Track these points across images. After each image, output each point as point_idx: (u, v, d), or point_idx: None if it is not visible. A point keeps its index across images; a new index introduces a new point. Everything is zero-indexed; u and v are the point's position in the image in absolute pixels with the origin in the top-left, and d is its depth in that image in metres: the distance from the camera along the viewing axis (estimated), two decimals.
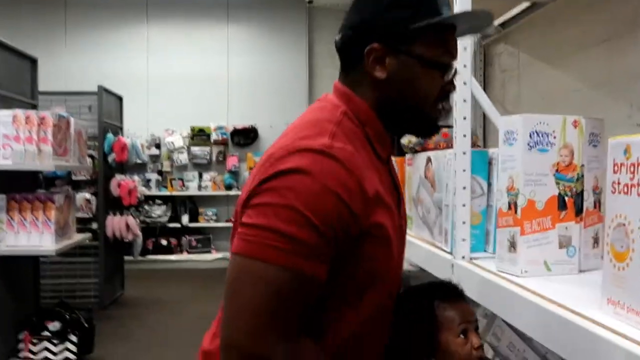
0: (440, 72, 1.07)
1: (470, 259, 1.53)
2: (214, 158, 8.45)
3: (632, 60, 2.14)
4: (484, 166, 1.63)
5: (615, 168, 0.93)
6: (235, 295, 0.93)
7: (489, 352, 2.04)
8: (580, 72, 2.51)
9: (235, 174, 8.34)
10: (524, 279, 1.25)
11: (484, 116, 2.87)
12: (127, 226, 5.70)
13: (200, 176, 8.39)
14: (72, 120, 3.89)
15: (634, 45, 2.13)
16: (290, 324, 0.93)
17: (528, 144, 1.26)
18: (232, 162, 8.35)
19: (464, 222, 1.54)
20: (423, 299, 1.10)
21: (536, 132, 1.26)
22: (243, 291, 0.92)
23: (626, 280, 0.90)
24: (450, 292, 1.13)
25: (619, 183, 0.93)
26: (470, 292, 1.47)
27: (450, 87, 1.11)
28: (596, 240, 1.37)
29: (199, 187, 8.35)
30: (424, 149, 2.03)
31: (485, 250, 1.65)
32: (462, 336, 1.06)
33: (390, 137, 1.12)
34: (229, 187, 8.25)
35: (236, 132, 8.37)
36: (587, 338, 0.91)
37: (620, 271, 0.92)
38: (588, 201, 1.33)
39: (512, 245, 1.30)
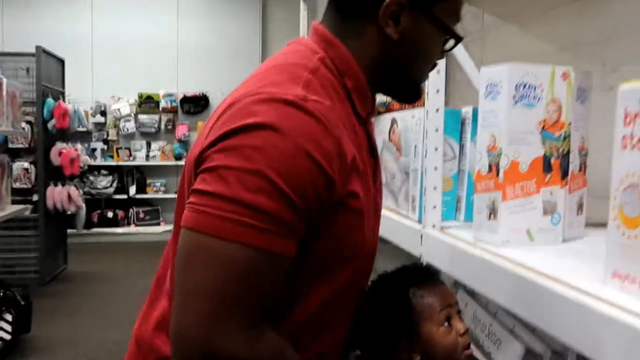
0: (446, 41, 0.96)
1: (441, 228, 1.39)
2: (162, 126, 8.11)
3: (605, 21, 2.03)
4: (456, 126, 1.49)
5: (627, 119, 0.79)
6: (188, 279, 0.76)
7: None
8: (549, 34, 2.38)
9: (185, 143, 8.04)
10: (506, 249, 1.11)
11: (446, 71, 2.72)
12: (69, 197, 5.40)
13: (148, 145, 8.06)
14: (4, 81, 3.57)
15: (607, 3, 2.01)
16: (253, 311, 0.77)
17: (513, 98, 1.11)
18: (181, 130, 8.04)
19: (435, 188, 1.40)
20: (396, 289, 0.95)
21: (522, 84, 1.12)
22: (197, 274, 0.75)
23: (639, 251, 0.77)
24: (424, 276, 0.98)
25: (631, 137, 0.79)
26: (442, 264, 1.33)
27: (443, 56, 0.99)
28: (580, 207, 1.24)
29: (147, 157, 8.02)
30: (388, 110, 1.88)
31: (455, 219, 1.52)
32: (445, 324, 0.92)
33: (371, 93, 0.95)
34: (178, 157, 7.95)
35: (186, 100, 8.05)
36: (589, 317, 0.78)
37: (631, 240, 0.78)
38: (573, 163, 1.20)
39: (492, 212, 1.16)
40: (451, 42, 0.96)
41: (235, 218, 0.74)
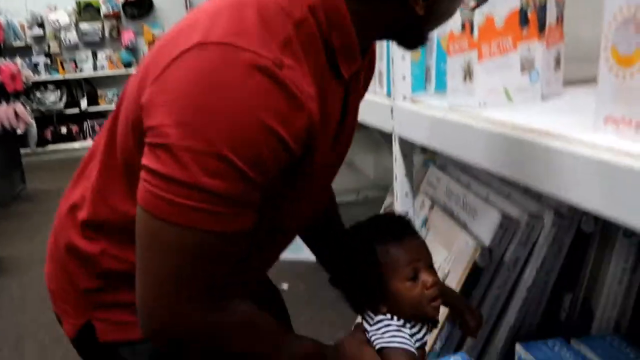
0: None
1: (412, 99, 1.33)
2: (107, 34, 7.69)
3: None
4: None
5: None
6: (148, 259, 0.73)
7: (425, 205, 1.92)
8: None
9: (132, 50, 7.67)
10: (484, 111, 1.05)
11: None
12: (17, 115, 5.14)
13: (95, 55, 7.65)
14: None
15: None
16: (215, 287, 0.75)
17: None
18: (127, 37, 7.63)
19: (403, 58, 1.31)
20: (364, 244, 0.93)
21: None
22: (156, 256, 0.72)
23: (637, 90, 0.71)
24: (394, 230, 0.94)
25: None
26: (415, 136, 1.28)
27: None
28: (558, 62, 1.18)
29: (95, 67, 7.64)
30: None
31: (425, 90, 1.45)
32: (412, 279, 0.90)
33: (361, 47, 0.80)
34: (127, 65, 7.60)
35: (128, 3, 7.58)
36: (585, 166, 0.73)
37: (627, 79, 0.72)
38: (550, 15, 1.12)
39: (468, 74, 1.09)
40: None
41: (194, 205, 0.68)
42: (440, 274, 1.64)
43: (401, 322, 0.91)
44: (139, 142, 0.73)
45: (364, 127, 2.84)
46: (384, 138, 2.92)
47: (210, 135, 0.65)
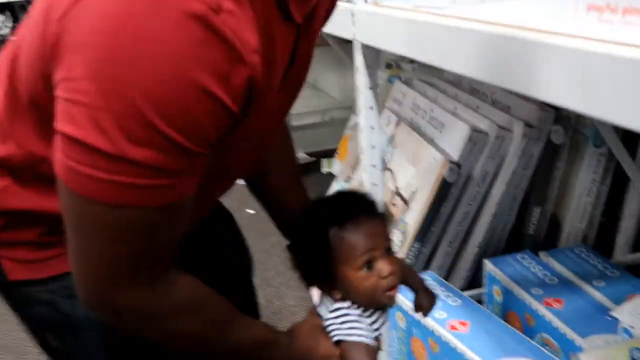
0: None
1: (375, 2, 1.22)
2: None
3: None
4: None
5: None
6: (79, 240, 0.65)
7: (391, 122, 1.85)
8: None
9: None
10: (453, 9, 0.96)
11: None
12: None
13: None
14: None
15: None
16: (159, 264, 0.67)
17: None
18: None
19: None
20: (319, 227, 0.83)
21: None
22: (88, 238, 0.64)
23: None
24: (355, 211, 0.84)
25: None
26: (380, 42, 1.19)
27: None
28: None
29: None
30: None
31: None
32: (365, 269, 0.81)
33: None
34: None
35: None
36: (567, 58, 0.66)
37: None
38: None
39: None
40: None
41: (122, 180, 0.57)
42: (408, 192, 1.59)
43: (359, 310, 0.84)
44: (43, 78, 0.62)
45: (327, 46, 2.72)
46: (347, 54, 2.80)
47: (132, 95, 0.54)
